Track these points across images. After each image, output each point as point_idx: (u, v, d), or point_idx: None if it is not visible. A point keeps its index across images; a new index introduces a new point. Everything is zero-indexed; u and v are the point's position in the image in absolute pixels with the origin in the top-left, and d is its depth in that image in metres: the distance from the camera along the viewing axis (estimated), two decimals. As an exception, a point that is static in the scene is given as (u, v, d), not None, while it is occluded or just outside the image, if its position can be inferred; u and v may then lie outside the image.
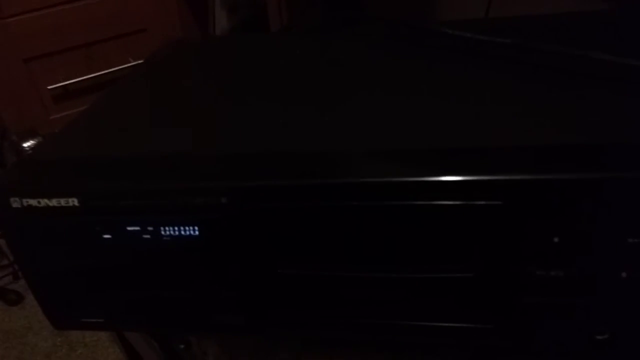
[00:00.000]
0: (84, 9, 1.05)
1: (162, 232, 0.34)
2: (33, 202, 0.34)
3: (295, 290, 0.36)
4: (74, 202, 0.33)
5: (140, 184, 0.33)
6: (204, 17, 1.21)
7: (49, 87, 1.06)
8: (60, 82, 1.07)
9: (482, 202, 0.30)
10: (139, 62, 1.10)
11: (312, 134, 0.37)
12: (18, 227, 0.35)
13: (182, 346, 0.49)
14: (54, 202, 0.34)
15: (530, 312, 0.34)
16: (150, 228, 0.34)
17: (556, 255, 0.31)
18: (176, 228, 0.34)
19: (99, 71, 1.10)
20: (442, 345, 0.42)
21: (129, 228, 0.34)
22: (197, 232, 0.34)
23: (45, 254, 0.36)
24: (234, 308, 0.37)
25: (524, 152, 0.31)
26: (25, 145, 0.53)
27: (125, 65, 1.11)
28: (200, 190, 0.32)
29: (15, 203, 0.33)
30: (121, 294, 0.38)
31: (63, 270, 0.37)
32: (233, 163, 0.34)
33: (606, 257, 0.31)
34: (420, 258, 0.33)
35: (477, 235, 0.31)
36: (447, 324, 0.35)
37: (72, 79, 1.08)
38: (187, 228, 0.34)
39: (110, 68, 1.10)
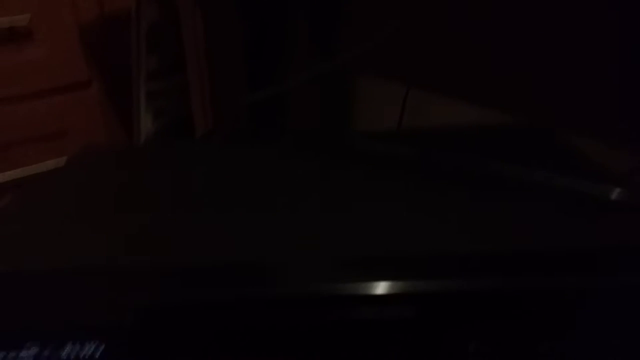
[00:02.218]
0: (2, 108, 1.03)
1: (61, 356, 0.31)
2: None
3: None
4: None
5: (34, 302, 0.31)
6: (129, 121, 1.21)
7: (-42, 191, 1.00)
8: (-26, 185, 1.02)
9: (395, 315, 0.30)
10: (58, 166, 1.07)
11: (228, 245, 0.36)
12: None
13: None
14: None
15: None
16: (46, 352, 0.31)
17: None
18: (78, 349, 0.31)
19: (14, 171, 1.06)
20: None
21: (24, 353, 0.31)
22: (100, 354, 0.31)
23: None
24: None
25: (436, 261, 0.32)
26: None
27: (44, 169, 1.08)
28: (103, 307, 0.30)
29: None
30: None
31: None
32: (140, 276, 0.32)
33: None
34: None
35: (392, 349, 0.31)
36: None
37: (-14, 182, 1.03)
38: (89, 349, 0.31)
39: (29, 169, 1.07)
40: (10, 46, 1.01)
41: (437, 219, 0.38)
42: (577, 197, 0.39)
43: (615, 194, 0.39)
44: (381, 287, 0.30)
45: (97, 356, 0.31)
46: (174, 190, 0.46)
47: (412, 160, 0.47)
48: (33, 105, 1.06)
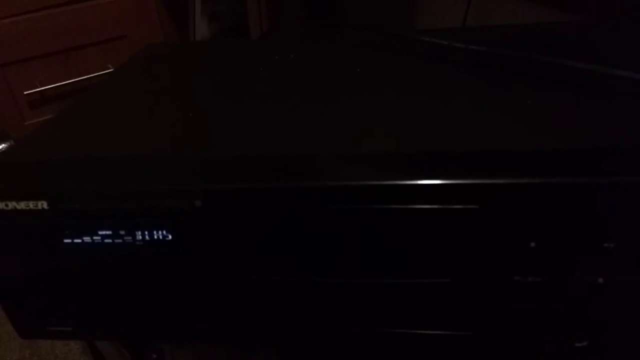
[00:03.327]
0: (62, 15, 1.04)
1: (134, 237, 0.33)
2: (0, 205, 0.33)
3: (269, 297, 0.35)
4: (43, 204, 0.32)
5: (112, 186, 0.32)
6: (185, 25, 1.21)
7: (25, 92, 1.04)
8: (37, 87, 1.05)
9: (459, 206, 0.30)
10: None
11: (289, 138, 0.36)
12: (-16, 231, 0.34)
13: (154, 356, 0.48)
14: (22, 205, 0.33)
15: (509, 319, 0.33)
16: (122, 232, 0.33)
17: (533, 260, 0.31)
18: (149, 232, 0.33)
19: (77, 77, 1.08)
20: (420, 353, 0.42)
21: (100, 232, 0.33)
22: (170, 237, 0.33)
23: (12, 259, 0.35)
24: (207, 315, 0.36)
25: (499, 157, 0.31)
26: (-4, 148, 0.51)
27: (104, 72, 1.10)
28: (174, 192, 0.32)
29: (-19, 206, 0.32)
30: (91, 301, 0.37)
31: (31, 276, 0.36)
32: (208, 166, 0.33)
33: (582, 262, 0.31)
34: (397, 263, 0.33)
35: (454, 240, 0.31)
36: (425, 331, 0.35)
37: (49, 85, 1.06)
38: (160, 232, 0.33)
39: (89, 74, 1.09)
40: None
41: (500, 115, 0.37)
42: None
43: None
44: (444, 179, 0.30)
45: (167, 239, 0.33)
46: (232, 84, 0.46)
47: (475, 58, 0.45)
48: (92, 9, 1.06)
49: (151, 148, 0.37)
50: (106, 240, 0.34)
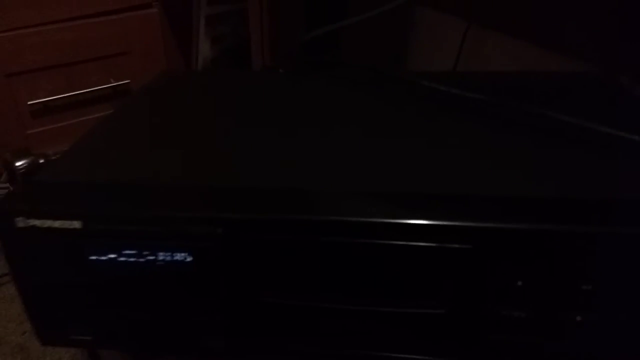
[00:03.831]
0: (68, 30, 1.07)
1: (157, 258, 0.36)
2: (37, 222, 0.35)
3: (274, 318, 0.38)
4: (76, 224, 0.35)
5: (141, 211, 0.35)
6: (187, 44, 1.24)
7: (29, 103, 1.06)
8: (41, 98, 1.07)
9: (455, 245, 0.33)
10: (120, 82, 1.12)
11: (303, 172, 0.40)
12: (20, 245, 0.37)
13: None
14: (57, 224, 0.35)
15: (495, 349, 0.37)
16: (145, 252, 0.36)
17: (519, 297, 0.35)
18: (171, 254, 0.36)
19: (79, 89, 1.11)
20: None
21: (125, 251, 0.36)
22: (190, 259, 0.36)
23: (42, 271, 0.38)
24: (217, 332, 0.39)
25: (494, 202, 0.35)
26: (18, 164, 0.54)
27: (106, 86, 1.13)
28: (199, 219, 0.35)
29: (20, 223, 0.35)
30: (111, 314, 0.39)
31: (57, 287, 0.38)
32: (230, 196, 0.36)
33: (563, 301, 0.34)
34: (396, 293, 0.36)
35: (449, 275, 0.35)
36: (419, 357, 0.38)
37: (52, 96, 1.08)
38: (182, 254, 0.36)
39: (91, 87, 1.12)
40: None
41: (498, 162, 0.40)
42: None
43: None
44: (443, 220, 0.33)
45: (187, 261, 0.36)
46: (251, 117, 0.50)
47: (473, 105, 0.49)
48: (97, 25, 1.09)
49: (180, 175, 0.40)
50: (130, 259, 0.37)
